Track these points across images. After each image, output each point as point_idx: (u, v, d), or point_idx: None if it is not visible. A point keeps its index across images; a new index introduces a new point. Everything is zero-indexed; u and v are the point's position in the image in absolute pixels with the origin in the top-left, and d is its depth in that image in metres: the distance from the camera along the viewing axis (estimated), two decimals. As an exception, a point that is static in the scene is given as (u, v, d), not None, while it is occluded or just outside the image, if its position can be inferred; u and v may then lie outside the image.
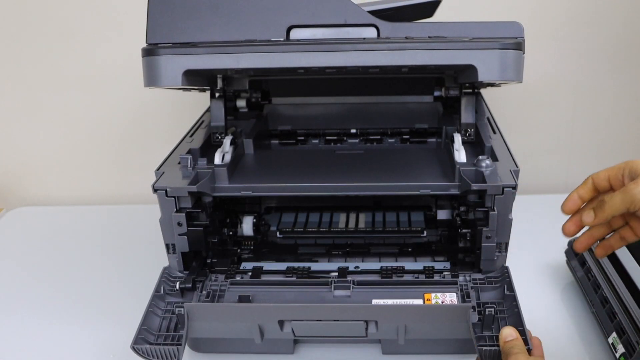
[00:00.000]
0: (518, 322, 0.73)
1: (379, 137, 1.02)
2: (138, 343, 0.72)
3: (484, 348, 0.70)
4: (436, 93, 0.97)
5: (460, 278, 0.83)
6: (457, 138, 0.88)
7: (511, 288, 0.78)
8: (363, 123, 1.02)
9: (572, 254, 0.97)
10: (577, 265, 0.94)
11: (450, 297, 0.78)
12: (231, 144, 0.90)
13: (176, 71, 0.74)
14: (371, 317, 0.71)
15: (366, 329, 0.72)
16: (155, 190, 0.79)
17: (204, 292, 0.82)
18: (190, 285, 0.81)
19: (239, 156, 0.92)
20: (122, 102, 1.34)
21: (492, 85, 0.95)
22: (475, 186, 0.76)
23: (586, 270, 0.90)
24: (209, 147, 0.92)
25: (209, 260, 0.88)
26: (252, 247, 0.96)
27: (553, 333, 0.86)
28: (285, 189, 0.82)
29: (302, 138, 1.03)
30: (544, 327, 0.86)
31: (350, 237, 0.98)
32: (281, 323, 0.72)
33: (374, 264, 0.89)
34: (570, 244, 0.98)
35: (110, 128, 1.37)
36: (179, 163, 0.84)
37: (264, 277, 0.86)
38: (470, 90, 0.92)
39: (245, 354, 0.83)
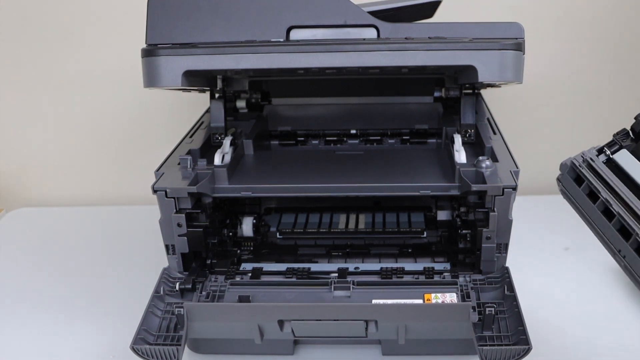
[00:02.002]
0: (518, 322, 0.73)
1: (379, 137, 1.02)
2: (137, 343, 0.72)
3: (485, 348, 0.69)
4: (436, 94, 0.97)
5: (460, 279, 0.83)
6: (457, 139, 0.88)
7: (511, 288, 0.78)
8: (363, 124, 1.02)
9: (569, 175, 0.84)
10: (571, 183, 0.83)
11: (450, 297, 0.78)
12: (231, 144, 0.90)
13: (176, 72, 0.74)
14: (371, 317, 0.71)
15: (366, 328, 0.72)
16: (155, 191, 0.79)
17: (204, 293, 0.82)
18: (190, 286, 0.81)
19: (239, 157, 0.92)
20: (122, 102, 1.34)
21: (492, 85, 0.95)
22: (475, 187, 0.76)
23: (585, 187, 0.80)
24: (208, 147, 0.92)
25: (208, 261, 0.88)
26: (252, 248, 0.96)
27: (552, 334, 0.86)
28: (285, 189, 0.82)
29: (302, 139, 1.03)
30: (543, 327, 0.86)
31: (350, 238, 0.98)
32: (281, 323, 0.72)
33: (374, 265, 0.89)
34: (566, 167, 0.84)
35: (110, 129, 1.37)
36: (179, 164, 0.84)
37: (264, 278, 0.86)
38: (470, 91, 0.92)
39: (244, 355, 0.83)
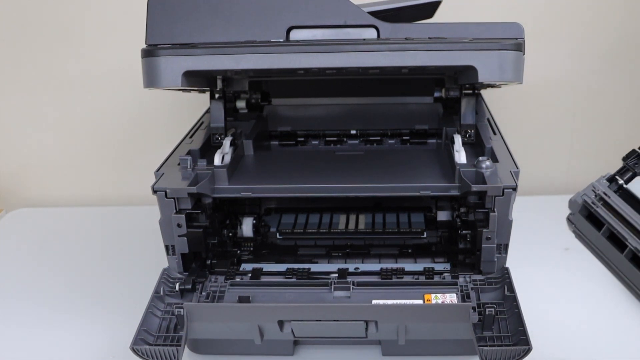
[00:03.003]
0: (518, 323, 0.73)
1: (379, 138, 1.02)
2: (137, 344, 0.72)
3: (485, 348, 0.69)
4: (436, 94, 0.97)
5: (460, 279, 0.82)
6: (457, 139, 0.88)
7: (511, 289, 0.78)
8: (363, 124, 1.02)
9: (582, 214, 0.75)
10: (586, 225, 0.74)
11: (450, 298, 0.78)
12: (231, 145, 0.89)
13: (176, 72, 0.74)
14: (371, 317, 0.71)
15: (366, 329, 0.72)
16: (154, 192, 0.79)
17: (204, 293, 0.82)
18: (190, 287, 0.81)
19: (239, 157, 0.92)
20: (122, 103, 1.34)
21: (492, 86, 0.95)
22: (475, 187, 0.76)
23: (605, 230, 0.70)
24: (208, 148, 0.92)
25: (208, 262, 0.88)
26: (251, 249, 0.96)
27: (552, 334, 0.86)
28: (285, 190, 0.82)
29: (302, 139, 1.03)
30: (543, 328, 0.86)
31: (350, 238, 0.98)
32: (281, 323, 0.72)
33: (374, 265, 0.89)
34: (577, 206, 0.76)
35: (110, 129, 1.37)
36: (179, 164, 0.84)
37: (264, 278, 0.86)
38: (471, 91, 0.92)
39: (244, 356, 0.83)
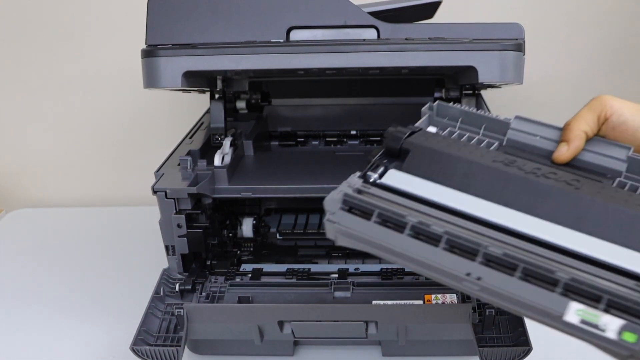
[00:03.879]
0: (519, 323, 0.73)
1: (379, 138, 1.02)
2: (137, 344, 0.72)
3: (485, 349, 0.69)
4: (436, 94, 0.97)
5: (461, 279, 0.82)
6: (457, 139, 0.87)
7: (511, 289, 0.78)
8: (363, 124, 1.02)
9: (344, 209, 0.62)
10: (357, 221, 0.60)
11: (450, 298, 0.78)
12: (231, 145, 0.89)
13: (176, 72, 0.74)
14: (371, 318, 0.71)
15: (366, 329, 0.72)
16: (154, 192, 0.79)
17: (204, 294, 0.82)
18: (190, 287, 0.81)
19: (239, 157, 0.92)
20: (122, 103, 1.34)
21: (492, 86, 0.95)
22: (475, 187, 0.76)
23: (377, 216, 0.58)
24: (208, 148, 0.92)
25: (208, 262, 0.88)
26: (251, 249, 0.95)
27: (553, 334, 0.86)
28: (285, 190, 0.82)
29: (302, 139, 1.03)
30: (544, 327, 0.86)
31: (351, 239, 0.98)
32: (281, 324, 0.72)
33: (374, 266, 0.89)
34: (335, 202, 0.61)
35: (110, 129, 1.37)
36: (179, 164, 0.84)
37: (264, 279, 0.86)
38: (471, 92, 0.92)
39: (244, 356, 0.83)
